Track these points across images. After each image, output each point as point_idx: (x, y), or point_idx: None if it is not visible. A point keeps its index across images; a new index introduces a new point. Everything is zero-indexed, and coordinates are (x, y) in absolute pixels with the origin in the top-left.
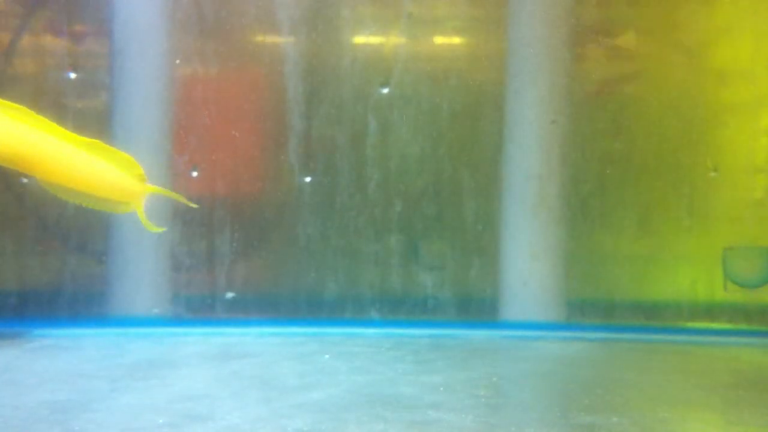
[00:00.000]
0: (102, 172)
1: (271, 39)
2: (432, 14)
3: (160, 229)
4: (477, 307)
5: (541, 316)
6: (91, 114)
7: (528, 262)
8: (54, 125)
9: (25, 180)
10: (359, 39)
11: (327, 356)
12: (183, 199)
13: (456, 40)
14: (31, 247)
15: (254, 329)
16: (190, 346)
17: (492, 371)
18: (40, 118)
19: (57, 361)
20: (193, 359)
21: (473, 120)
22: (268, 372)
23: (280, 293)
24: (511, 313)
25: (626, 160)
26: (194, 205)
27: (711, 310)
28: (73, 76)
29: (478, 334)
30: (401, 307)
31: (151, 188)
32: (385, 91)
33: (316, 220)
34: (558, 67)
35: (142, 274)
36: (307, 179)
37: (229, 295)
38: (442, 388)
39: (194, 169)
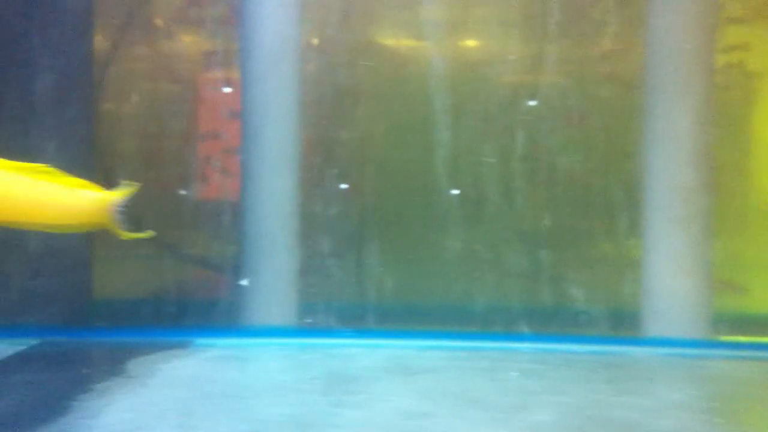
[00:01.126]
0: (63, 196)
1: (417, 52)
2: (579, 24)
3: (147, 234)
4: (624, 322)
5: (689, 332)
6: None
7: (674, 276)
8: None
9: (183, 192)
10: (506, 51)
11: (514, 374)
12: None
13: (602, 49)
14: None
15: (405, 341)
16: (360, 358)
17: (693, 393)
18: None
19: (246, 372)
20: (378, 373)
21: (619, 131)
22: (466, 389)
23: (429, 305)
24: (657, 328)
25: None
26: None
27: None
28: (228, 90)
29: (632, 351)
30: (551, 321)
31: (116, 193)
32: (533, 103)
33: (463, 232)
34: (705, 76)
35: (290, 285)
36: (455, 192)
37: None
38: (662, 412)
39: (342, 182)
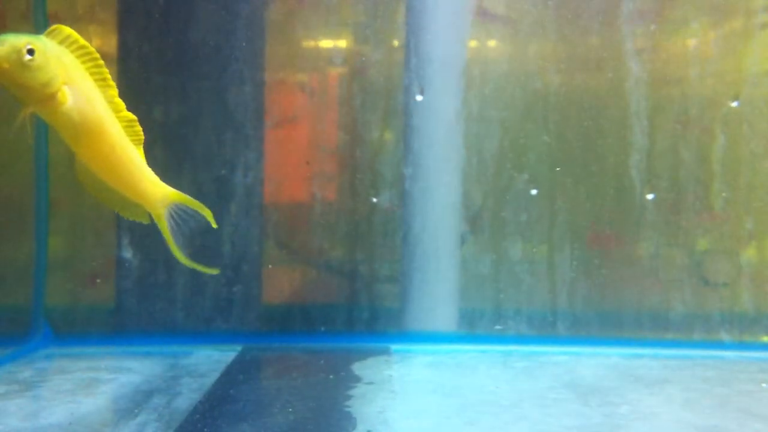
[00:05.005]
0: (137, 164)
1: (613, 52)
2: None
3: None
4: None
5: None
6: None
7: None
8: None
9: (375, 200)
10: (707, 51)
11: (765, 385)
12: (207, 212)
13: None
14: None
15: (593, 349)
16: (576, 366)
17: None
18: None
19: (479, 380)
20: (615, 382)
21: None
22: (727, 400)
23: (623, 313)
24: None
25: None
26: (215, 225)
27: None
28: (419, 98)
29: None
30: (753, 328)
31: (177, 194)
32: (735, 104)
33: (659, 238)
34: None
35: (480, 290)
36: (650, 196)
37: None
38: None
39: (534, 187)
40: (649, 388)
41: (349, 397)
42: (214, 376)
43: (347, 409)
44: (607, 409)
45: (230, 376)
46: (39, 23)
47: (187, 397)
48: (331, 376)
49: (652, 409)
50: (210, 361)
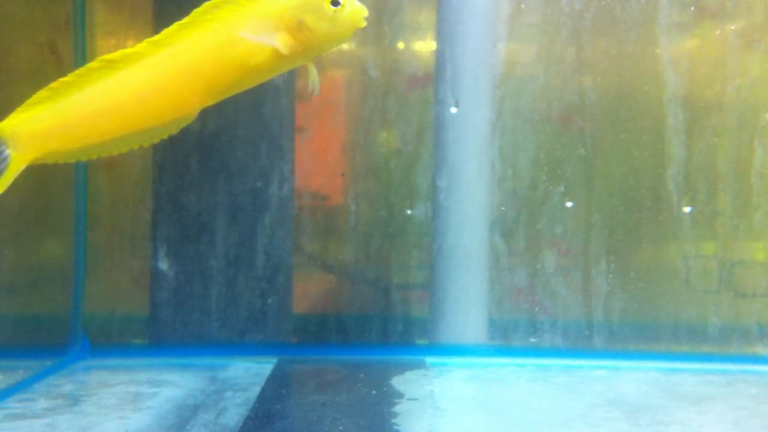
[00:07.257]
0: None
1: (650, 64)
2: None
3: None
4: None
5: None
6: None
7: None
8: None
9: (409, 212)
10: (744, 63)
11: None
12: None
13: None
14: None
15: (630, 363)
16: (616, 382)
17: None
18: None
19: (523, 395)
20: (659, 400)
21: None
22: None
23: (659, 326)
24: None
25: None
26: None
27: None
28: (453, 110)
29: None
30: None
31: None
32: None
33: (697, 251)
34: None
35: (515, 303)
36: (687, 209)
37: None
38: None
39: (569, 201)
40: (695, 406)
41: (396, 414)
42: (256, 390)
43: (396, 427)
44: (657, 429)
45: (272, 391)
46: (78, 33)
47: (234, 412)
48: (373, 392)
49: (703, 430)
50: (249, 374)
